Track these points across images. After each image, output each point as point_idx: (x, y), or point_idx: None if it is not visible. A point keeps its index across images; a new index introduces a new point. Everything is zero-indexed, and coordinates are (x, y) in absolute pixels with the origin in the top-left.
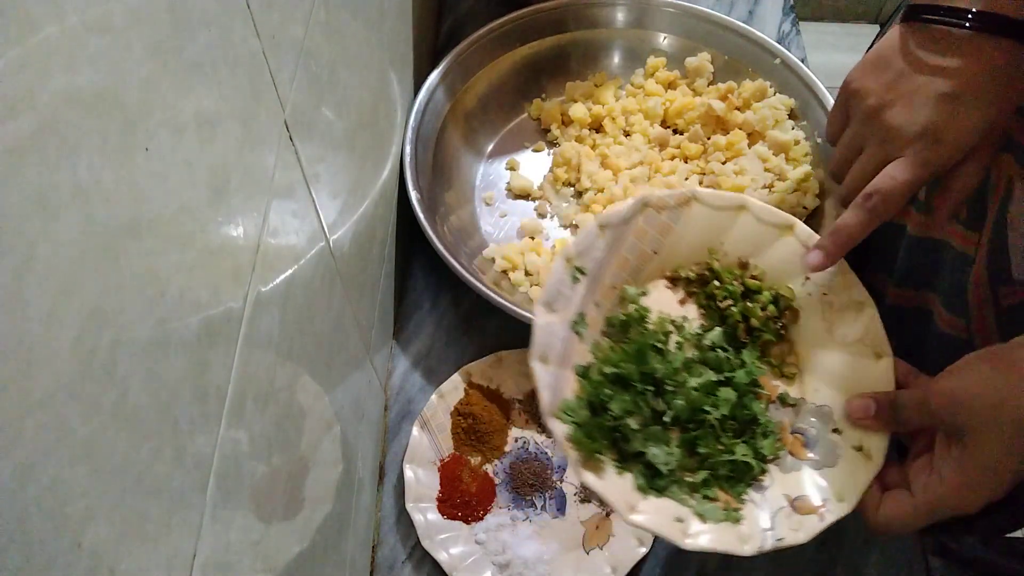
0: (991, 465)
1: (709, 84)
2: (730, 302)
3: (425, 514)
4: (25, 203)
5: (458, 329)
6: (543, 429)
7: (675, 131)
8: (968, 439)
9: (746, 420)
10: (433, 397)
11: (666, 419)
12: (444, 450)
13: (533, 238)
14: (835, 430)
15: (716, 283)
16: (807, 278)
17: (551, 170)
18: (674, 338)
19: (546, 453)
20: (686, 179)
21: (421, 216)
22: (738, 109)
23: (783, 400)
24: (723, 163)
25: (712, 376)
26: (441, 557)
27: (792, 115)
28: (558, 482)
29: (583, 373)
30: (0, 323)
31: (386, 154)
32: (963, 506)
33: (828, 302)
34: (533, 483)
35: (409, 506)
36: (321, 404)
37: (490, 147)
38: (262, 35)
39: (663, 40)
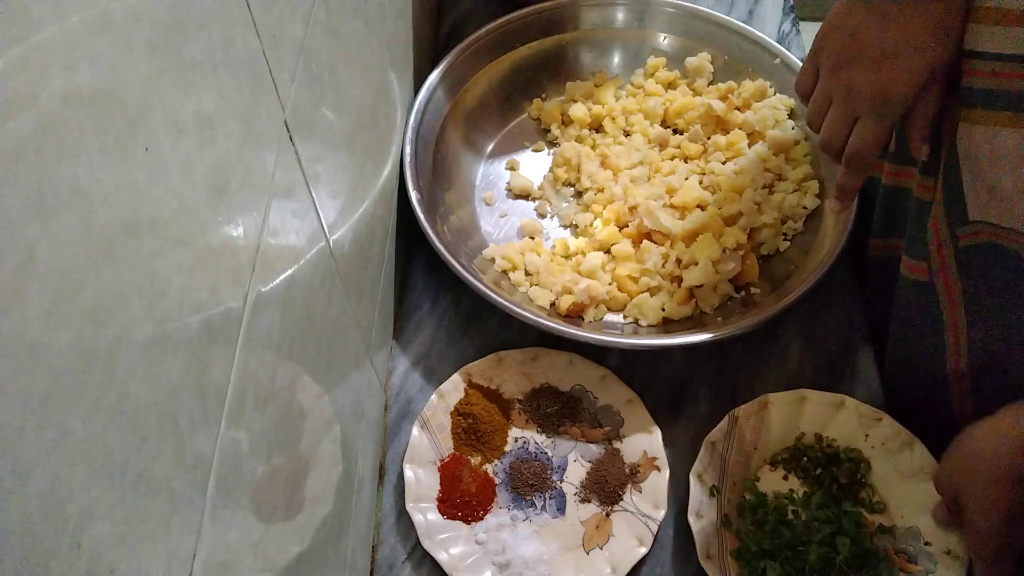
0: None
1: (709, 84)
2: (820, 469)
3: (425, 514)
4: (25, 203)
5: (458, 329)
6: (543, 429)
7: (675, 131)
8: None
9: (863, 555)
10: (433, 397)
11: (806, 570)
12: (444, 450)
13: (533, 238)
14: (926, 543)
15: (805, 458)
16: (867, 436)
17: (551, 170)
18: (790, 508)
19: (546, 453)
20: (686, 179)
21: (421, 216)
22: (738, 109)
23: (881, 530)
24: (723, 163)
25: (828, 529)
26: (441, 557)
27: (792, 115)
28: (558, 482)
29: (738, 555)
30: (0, 323)
31: (386, 154)
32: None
33: (888, 449)
34: (533, 483)
35: (409, 506)
36: (321, 404)
37: (490, 147)
38: (262, 35)
39: (663, 40)
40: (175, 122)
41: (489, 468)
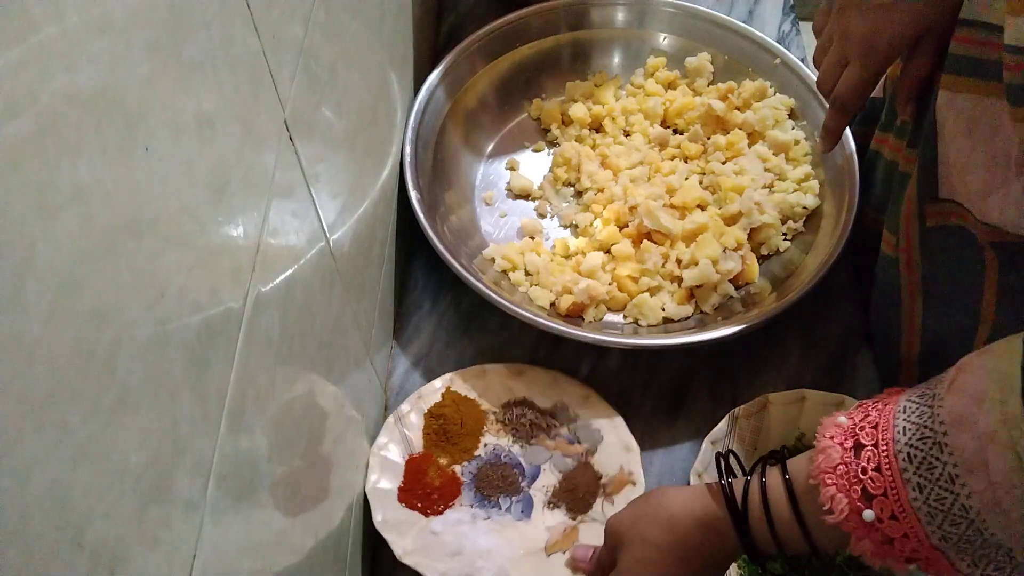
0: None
1: (709, 84)
2: None
3: (384, 497)
4: (25, 203)
5: (458, 329)
6: (517, 439)
7: (675, 131)
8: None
9: None
10: (412, 396)
11: (805, 572)
12: (415, 447)
13: (533, 238)
14: None
15: None
16: None
17: (551, 170)
18: None
19: (518, 460)
20: (686, 179)
21: (421, 216)
22: (738, 109)
23: None
24: (723, 163)
25: None
26: (390, 537)
27: (792, 115)
28: (526, 487)
29: None
30: (0, 323)
31: (386, 154)
32: None
33: None
34: (500, 485)
35: (368, 487)
36: (321, 404)
37: (490, 147)
38: (262, 35)
39: (663, 40)
40: (175, 122)
41: (457, 469)
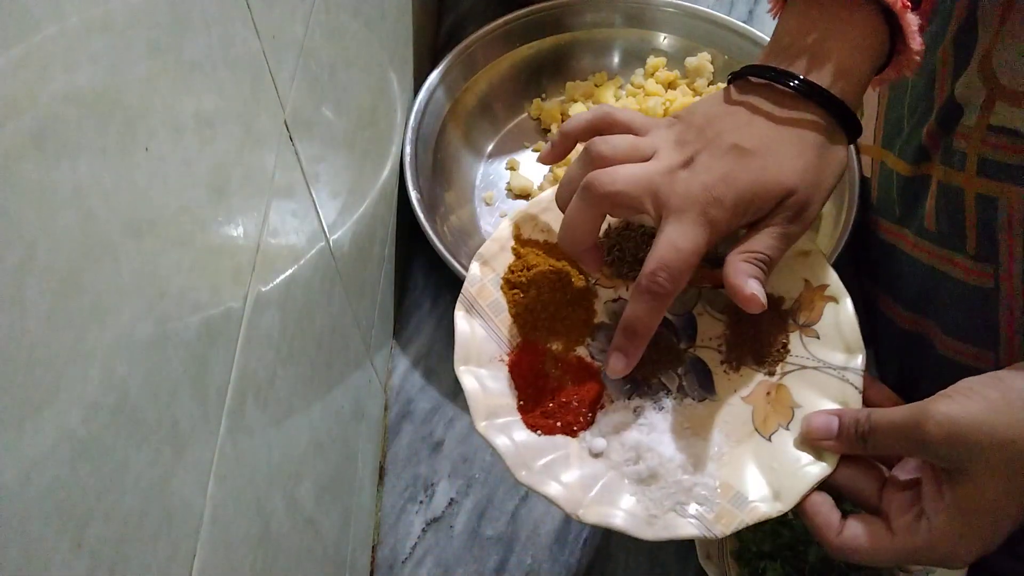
0: (991, 513)
1: (709, 84)
2: None
3: (510, 433)
4: (25, 203)
5: None
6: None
7: None
8: (966, 480)
9: None
10: (474, 267)
11: (806, 570)
12: (508, 339)
13: None
14: None
15: None
16: None
17: (551, 170)
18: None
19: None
20: None
21: (421, 216)
22: None
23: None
24: None
25: None
26: (552, 491)
27: None
28: (688, 349)
29: (738, 556)
30: (0, 323)
31: (386, 154)
32: (953, 558)
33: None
34: (653, 358)
35: (481, 426)
36: (321, 404)
37: (490, 147)
38: (262, 35)
39: (663, 40)
40: (175, 122)
41: (581, 351)
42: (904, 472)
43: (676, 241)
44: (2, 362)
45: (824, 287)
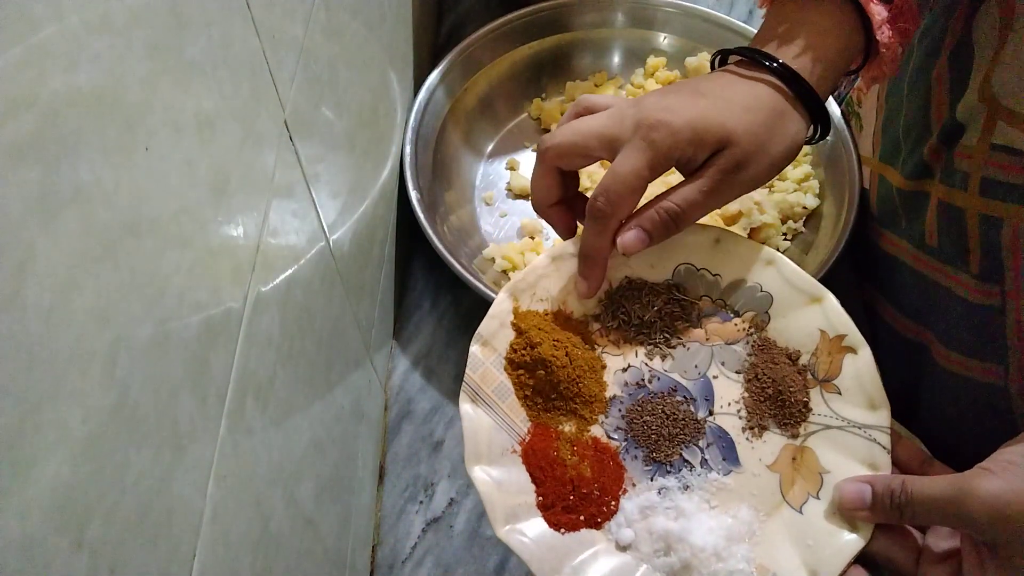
0: None
1: None
2: None
3: (533, 536)
4: (25, 203)
5: (458, 329)
6: (650, 347)
7: None
8: (1013, 556)
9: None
10: (475, 349)
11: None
12: (519, 427)
13: (533, 238)
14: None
15: None
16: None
17: None
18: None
19: (674, 382)
20: None
21: (421, 216)
22: None
23: None
24: None
25: None
26: None
27: None
28: (707, 418)
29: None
30: (0, 323)
31: (386, 154)
32: None
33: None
34: (672, 431)
35: (503, 532)
36: (321, 404)
37: (490, 147)
38: (262, 35)
39: (663, 40)
40: (175, 122)
41: (596, 431)
42: (939, 539)
43: (616, 167)
44: (2, 362)
45: (842, 337)
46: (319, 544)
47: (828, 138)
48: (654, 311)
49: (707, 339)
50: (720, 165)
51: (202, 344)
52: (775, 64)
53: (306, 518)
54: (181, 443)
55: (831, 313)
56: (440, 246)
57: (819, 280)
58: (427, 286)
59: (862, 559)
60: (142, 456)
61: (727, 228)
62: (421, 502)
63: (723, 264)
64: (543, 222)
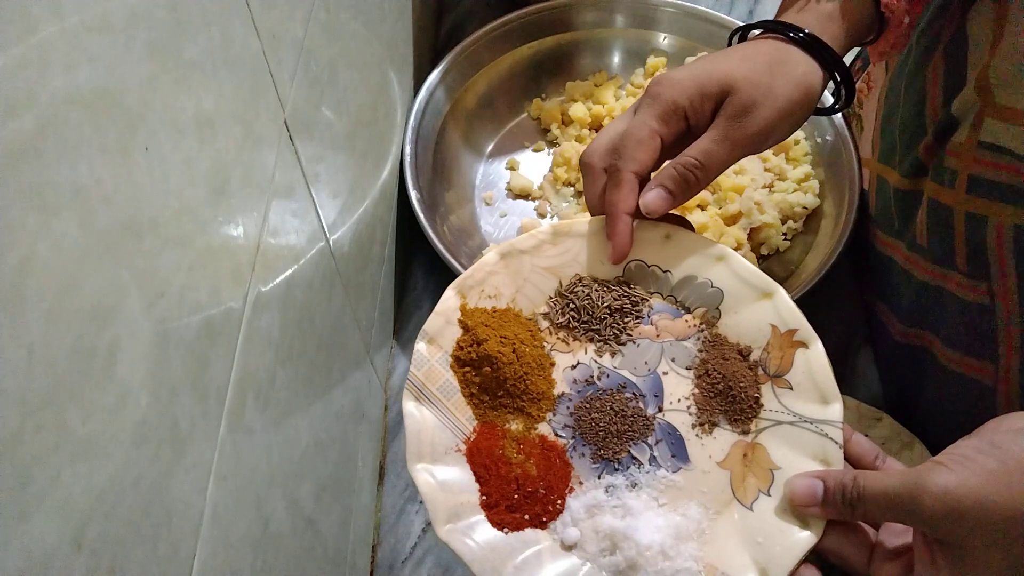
0: None
1: None
2: None
3: (475, 536)
4: (25, 203)
5: None
6: (600, 344)
7: None
8: (964, 553)
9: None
10: (420, 346)
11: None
12: (464, 425)
13: None
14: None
15: None
16: (866, 435)
17: (551, 170)
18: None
19: (623, 378)
20: None
21: (421, 216)
22: None
23: None
24: None
25: None
26: None
27: None
28: (657, 415)
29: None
30: (0, 323)
31: (386, 154)
32: None
33: (887, 449)
34: (620, 428)
35: (444, 531)
36: (321, 404)
37: (490, 147)
38: (262, 35)
39: (663, 40)
40: (175, 122)
41: (544, 429)
42: (892, 536)
43: (626, 121)
44: (2, 362)
45: (793, 332)
46: (319, 544)
47: (828, 138)
48: (604, 308)
49: (657, 335)
50: (727, 112)
51: (202, 344)
52: (770, 24)
53: (306, 518)
54: (181, 443)
55: (782, 308)
56: (440, 246)
57: (819, 280)
58: (427, 286)
59: (814, 556)
60: (142, 456)
61: (680, 226)
62: (421, 502)
63: (674, 260)
64: (543, 222)
